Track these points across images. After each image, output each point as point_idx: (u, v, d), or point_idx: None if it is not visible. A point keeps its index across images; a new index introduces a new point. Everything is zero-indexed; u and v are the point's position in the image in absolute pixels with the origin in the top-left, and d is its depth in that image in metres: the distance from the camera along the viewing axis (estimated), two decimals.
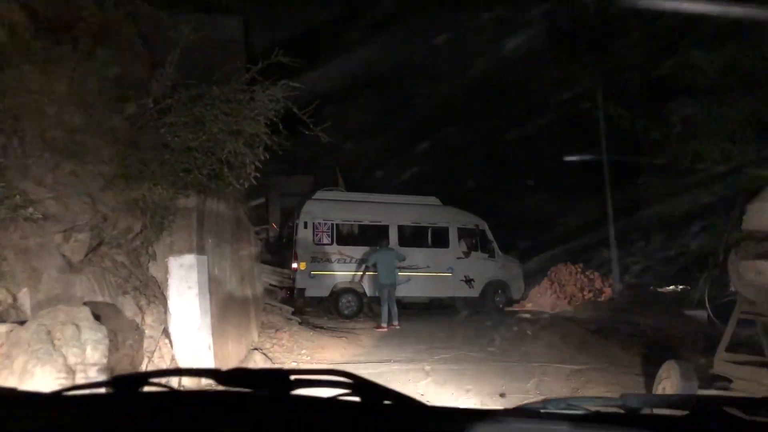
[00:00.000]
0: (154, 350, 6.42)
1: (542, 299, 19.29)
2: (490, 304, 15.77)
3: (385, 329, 12.52)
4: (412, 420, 1.35)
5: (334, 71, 20.88)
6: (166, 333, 6.75)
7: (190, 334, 6.97)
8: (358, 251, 14.88)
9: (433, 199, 16.13)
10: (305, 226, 14.71)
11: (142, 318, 6.19)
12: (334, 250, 14.80)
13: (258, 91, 7.42)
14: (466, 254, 15.71)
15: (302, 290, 14.32)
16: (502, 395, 7.18)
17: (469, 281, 15.64)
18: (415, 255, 14.94)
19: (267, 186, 15.50)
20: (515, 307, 18.11)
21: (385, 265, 13.03)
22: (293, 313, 12.39)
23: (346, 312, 14.55)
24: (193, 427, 1.22)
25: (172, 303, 7.04)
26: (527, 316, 14.24)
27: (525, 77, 21.20)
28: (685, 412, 1.49)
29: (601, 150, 18.84)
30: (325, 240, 14.84)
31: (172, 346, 6.79)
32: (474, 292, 15.76)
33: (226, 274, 8.60)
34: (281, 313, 12.16)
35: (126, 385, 1.47)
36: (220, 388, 1.46)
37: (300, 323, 11.81)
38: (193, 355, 6.80)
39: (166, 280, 7.16)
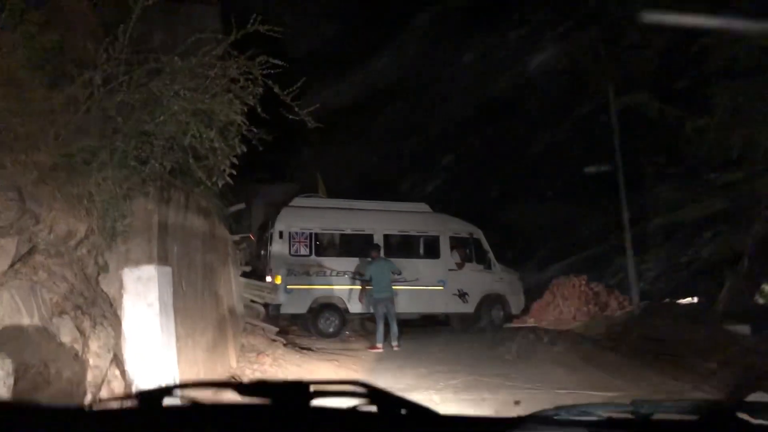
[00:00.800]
0: (102, 383, 5.20)
1: (545, 314, 18.73)
2: (487, 320, 14.69)
3: (381, 350, 11.52)
4: (428, 429, 1.41)
5: (327, 74, 20.03)
6: (117, 362, 5.54)
7: (149, 362, 5.76)
8: (340, 263, 13.81)
9: (422, 206, 15.05)
10: (280, 236, 13.55)
11: (85, 344, 4.95)
12: (312, 261, 13.64)
13: (231, 68, 6.29)
14: (460, 265, 14.62)
15: (277, 306, 13.10)
16: (516, 403, 7.17)
17: (462, 295, 14.54)
18: (403, 267, 13.76)
19: (249, 193, 14.33)
20: (516, 323, 17.24)
21: (379, 277, 12.14)
22: (278, 334, 11.21)
23: (326, 330, 13.44)
24: None
25: (127, 324, 5.82)
26: (532, 332, 13.19)
27: (531, 78, 20.22)
28: (696, 417, 1.56)
29: (608, 155, 17.66)
30: (303, 251, 13.68)
31: (125, 377, 5.58)
32: (468, 307, 14.66)
33: (196, 289, 7.42)
34: (264, 333, 10.97)
35: (150, 399, 1.56)
36: (242, 400, 1.49)
37: (285, 345, 10.72)
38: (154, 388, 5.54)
39: (121, 296, 5.93)
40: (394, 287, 13.39)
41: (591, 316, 17.23)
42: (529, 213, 21.67)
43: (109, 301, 5.89)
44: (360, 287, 13.58)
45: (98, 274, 5.95)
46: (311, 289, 13.50)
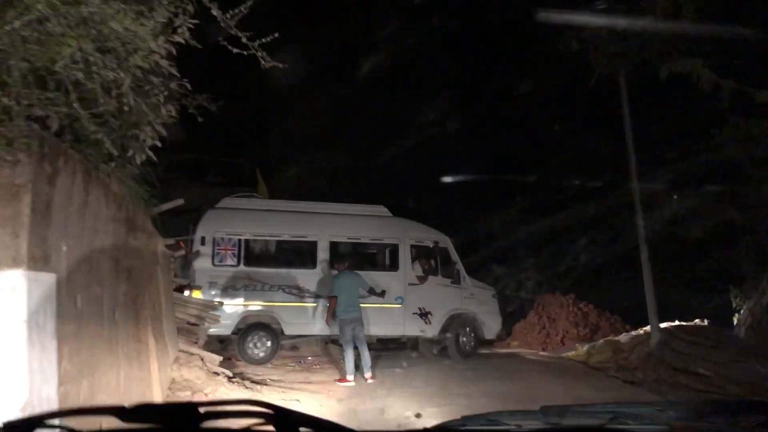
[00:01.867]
0: None
1: (530, 336, 16.81)
2: (452, 345, 12.43)
3: (352, 382, 9.69)
4: None
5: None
6: None
7: (11, 407, 3.87)
8: (274, 275, 11.75)
9: (380, 209, 12.86)
10: (203, 243, 11.48)
11: None
12: (240, 273, 11.53)
13: None
14: (422, 279, 12.41)
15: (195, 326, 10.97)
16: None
17: (424, 315, 12.31)
18: None
19: (198, 195, 12.30)
20: (496, 346, 15.37)
21: (345, 294, 10.32)
22: (223, 363, 9.19)
23: (255, 355, 11.37)
24: None
25: None
26: (522, 358, 11.04)
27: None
28: (601, 422, 1.60)
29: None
30: (229, 260, 11.59)
31: None
32: (431, 329, 12.42)
33: (101, 307, 5.43)
34: (204, 365, 8.87)
35: (18, 430, 1.43)
36: (125, 426, 1.38)
37: (231, 379, 8.76)
38: None
39: None
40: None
41: (581, 339, 15.48)
42: (512, 222, 19.55)
43: None
44: (309, 305, 11.71)
45: None
46: (238, 306, 11.39)
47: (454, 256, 12.81)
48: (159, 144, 5.42)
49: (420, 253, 12.67)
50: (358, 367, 10.15)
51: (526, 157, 20.21)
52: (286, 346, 12.24)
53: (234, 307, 11.36)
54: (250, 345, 11.40)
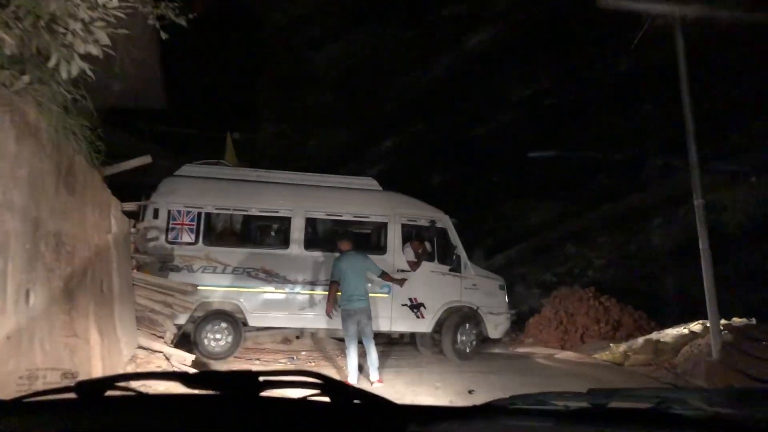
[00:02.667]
0: None
1: (546, 333, 15.00)
2: (448, 344, 10.64)
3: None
4: (381, 419, 1.39)
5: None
6: None
7: None
8: (239, 256, 10.10)
9: (368, 182, 11.09)
10: (156, 215, 9.85)
11: None
12: (199, 252, 9.88)
13: None
14: (414, 265, 10.62)
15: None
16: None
17: (416, 307, 10.53)
18: (331, 265, 10.01)
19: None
20: (512, 347, 13.81)
21: (350, 279, 8.68)
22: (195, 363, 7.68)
23: (211, 349, 9.75)
24: (161, 431, 1.24)
25: None
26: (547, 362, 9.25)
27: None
28: (650, 405, 1.61)
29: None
30: (186, 237, 9.95)
31: None
32: (423, 324, 10.64)
33: (4, 285, 4.10)
34: (169, 365, 7.38)
35: (91, 390, 1.47)
36: (189, 391, 1.43)
37: None
38: None
39: None
40: (312, 293, 9.91)
41: (602, 336, 13.90)
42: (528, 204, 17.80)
43: None
44: (279, 291, 10.10)
45: None
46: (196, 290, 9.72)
47: (455, 238, 10.98)
48: (100, 55, 4.46)
49: (413, 234, 10.89)
50: (362, 368, 8.71)
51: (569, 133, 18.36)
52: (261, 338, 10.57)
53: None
54: (208, 336, 9.77)
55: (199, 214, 10.06)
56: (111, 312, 6.73)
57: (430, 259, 10.81)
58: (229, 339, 9.81)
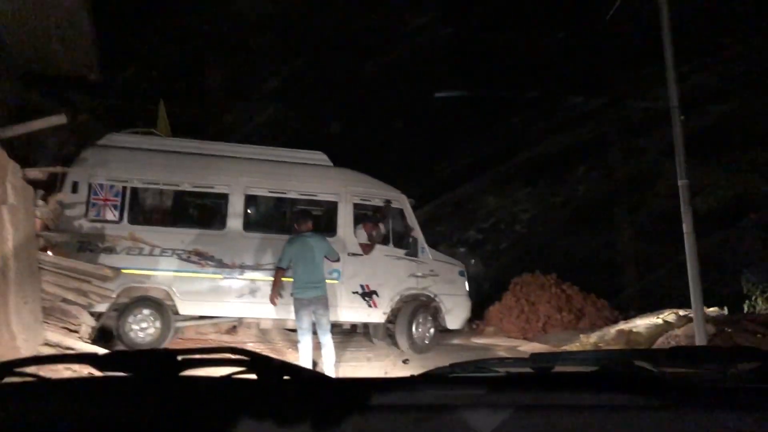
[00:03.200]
0: None
1: (506, 321, 14.24)
2: (403, 336, 9.71)
3: None
4: (313, 393, 1.30)
5: None
6: None
7: None
8: (169, 236, 9.03)
9: (317, 156, 10.00)
10: (74, 189, 8.72)
11: None
12: (123, 232, 8.78)
13: None
14: (367, 249, 9.66)
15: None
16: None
17: (367, 295, 9.56)
18: (275, 248, 8.99)
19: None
20: (468, 333, 12.88)
21: (305, 264, 7.75)
22: None
23: (136, 339, 8.65)
24: (69, 417, 1.14)
25: None
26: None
27: None
28: (595, 368, 1.62)
29: None
30: (109, 215, 8.85)
31: None
32: (376, 314, 9.69)
33: None
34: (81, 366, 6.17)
35: None
36: (99, 374, 1.36)
37: None
38: None
39: None
40: (252, 277, 8.93)
41: (565, 326, 13.33)
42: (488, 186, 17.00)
43: None
44: (214, 276, 9.04)
45: None
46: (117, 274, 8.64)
47: (412, 220, 10.03)
48: None
49: (366, 215, 9.91)
50: (316, 365, 7.79)
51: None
52: (185, 329, 9.44)
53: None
54: (133, 327, 8.69)
55: (125, 188, 8.97)
56: (4, 301, 5.70)
57: (385, 242, 9.85)
58: (157, 330, 8.75)
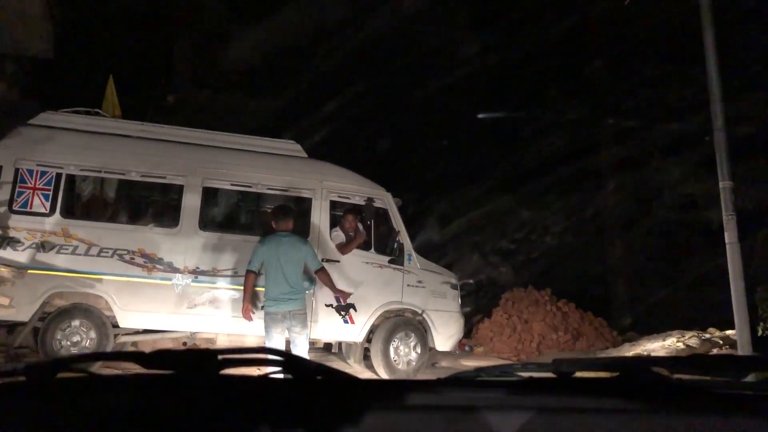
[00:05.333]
0: None
1: (497, 341, 13.20)
2: (379, 357, 8.34)
3: None
4: (346, 393, 1.37)
5: None
6: None
7: None
8: (110, 234, 7.74)
9: (289, 146, 8.69)
10: None
11: None
12: (55, 227, 7.50)
13: None
14: (345, 249, 8.34)
15: None
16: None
17: (343, 309, 8.22)
18: (237, 251, 7.77)
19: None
20: (460, 359, 11.17)
21: (280, 270, 6.59)
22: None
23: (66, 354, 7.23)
24: (116, 412, 1.20)
25: None
26: None
27: None
28: (615, 374, 1.64)
29: None
30: (38, 205, 7.54)
31: None
32: (353, 331, 8.35)
33: None
34: None
35: (41, 372, 1.42)
36: (144, 371, 1.42)
37: None
38: None
39: None
40: (208, 285, 7.64)
41: (561, 347, 12.52)
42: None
43: None
44: (162, 282, 7.74)
45: None
46: (44, 277, 7.38)
47: (398, 222, 8.72)
48: None
49: (345, 215, 8.61)
50: None
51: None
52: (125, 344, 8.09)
53: (39, 278, 7.32)
54: (61, 341, 7.37)
55: (59, 175, 7.65)
56: None
57: (366, 247, 8.54)
58: (92, 344, 7.41)
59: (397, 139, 16.39)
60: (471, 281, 14.12)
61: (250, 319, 6.77)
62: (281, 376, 1.46)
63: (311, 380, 1.44)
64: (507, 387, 1.45)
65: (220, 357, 1.42)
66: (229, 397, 1.27)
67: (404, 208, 9.22)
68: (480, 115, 16.73)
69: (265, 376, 1.47)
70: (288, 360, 1.48)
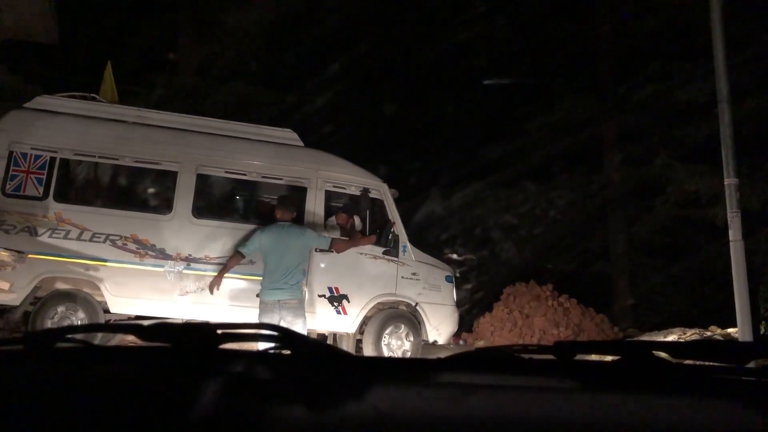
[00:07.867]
0: None
1: (498, 335, 13.17)
2: (371, 347, 8.38)
3: None
4: (346, 371, 1.34)
5: None
6: None
7: None
8: (103, 219, 7.76)
9: (285, 134, 8.68)
10: None
11: None
12: (47, 211, 7.54)
13: None
14: (341, 246, 8.29)
15: None
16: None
17: (336, 300, 8.26)
18: (230, 239, 7.82)
19: None
20: (455, 345, 11.15)
21: (279, 259, 6.68)
22: None
23: None
24: (113, 382, 1.20)
25: None
26: None
27: None
28: (617, 357, 1.63)
29: None
30: (31, 189, 7.58)
31: None
32: (345, 323, 8.38)
33: None
34: None
35: (39, 341, 1.52)
36: (143, 343, 1.42)
37: None
38: None
39: None
40: (194, 272, 7.64)
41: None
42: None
43: None
44: (154, 269, 7.78)
45: None
46: (36, 261, 7.41)
47: (393, 213, 8.72)
48: None
49: (340, 204, 8.65)
50: None
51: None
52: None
53: (31, 262, 7.34)
54: (50, 324, 7.41)
55: (53, 159, 7.69)
56: None
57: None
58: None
59: (403, 106, 16.47)
60: (473, 257, 14.08)
61: (211, 292, 7.02)
62: (281, 351, 1.48)
63: (311, 356, 1.45)
64: (507, 367, 1.48)
65: (219, 331, 1.42)
66: (228, 370, 1.27)
67: (404, 196, 9.22)
68: (486, 81, 16.47)
69: (265, 351, 1.49)
70: (287, 336, 1.47)
